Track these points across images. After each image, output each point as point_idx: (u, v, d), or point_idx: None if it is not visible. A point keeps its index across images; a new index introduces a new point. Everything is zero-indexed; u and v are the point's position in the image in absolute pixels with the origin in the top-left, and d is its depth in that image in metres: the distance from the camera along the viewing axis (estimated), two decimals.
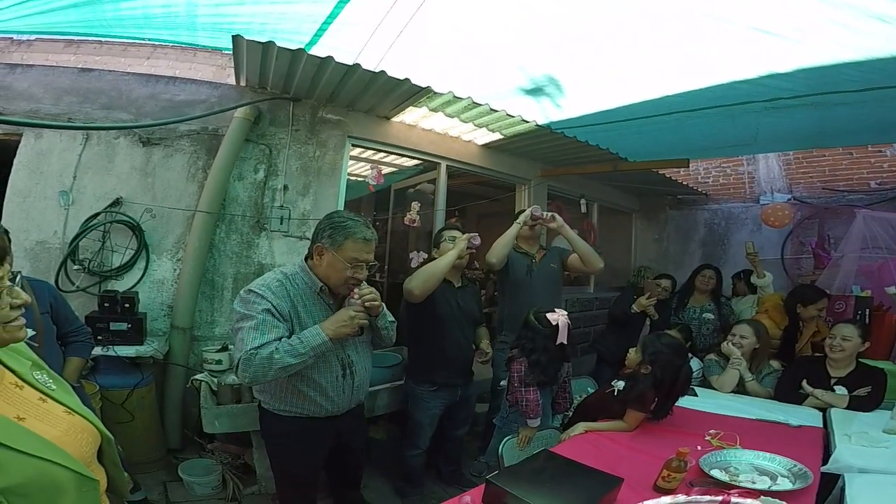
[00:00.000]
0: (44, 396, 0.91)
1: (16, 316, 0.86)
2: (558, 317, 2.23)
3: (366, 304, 1.72)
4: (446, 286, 2.64)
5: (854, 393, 2.41)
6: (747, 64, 2.29)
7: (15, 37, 3.38)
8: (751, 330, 2.78)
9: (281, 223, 3.27)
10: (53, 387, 0.95)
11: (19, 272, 0.90)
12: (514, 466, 1.62)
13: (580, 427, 2.06)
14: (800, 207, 5.22)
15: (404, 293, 2.51)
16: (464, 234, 2.67)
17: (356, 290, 1.73)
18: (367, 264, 1.74)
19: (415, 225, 3.96)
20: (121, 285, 2.99)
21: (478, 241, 2.62)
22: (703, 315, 3.66)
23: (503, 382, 2.55)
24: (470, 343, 2.74)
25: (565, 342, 2.23)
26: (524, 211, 3.03)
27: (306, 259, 1.80)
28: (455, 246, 2.59)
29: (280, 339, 1.61)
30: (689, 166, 4.32)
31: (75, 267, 2.91)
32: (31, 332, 1.66)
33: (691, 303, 3.75)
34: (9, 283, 0.84)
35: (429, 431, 2.68)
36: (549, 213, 2.93)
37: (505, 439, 2.14)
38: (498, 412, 2.51)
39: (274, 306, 1.65)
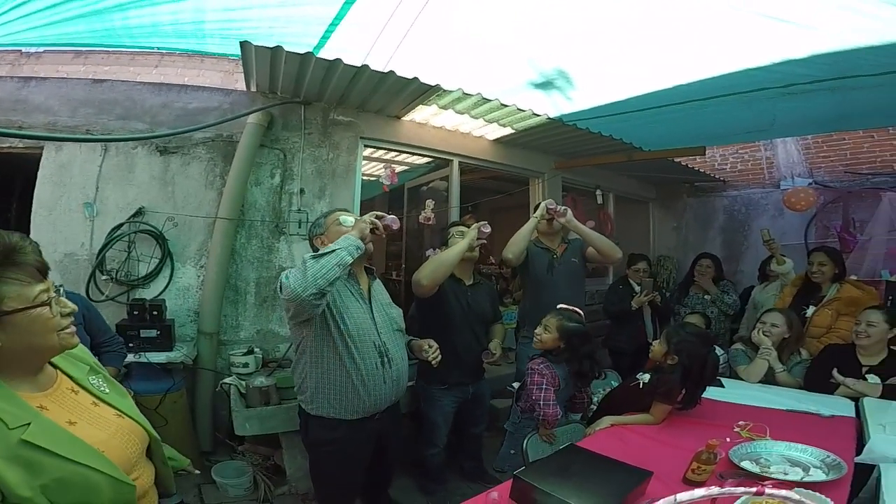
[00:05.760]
0: (97, 401, 0.98)
1: (67, 324, 0.93)
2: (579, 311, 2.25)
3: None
4: (456, 285, 2.61)
5: (888, 381, 2.33)
6: (761, 51, 2.25)
7: (23, 49, 3.40)
8: (782, 318, 2.67)
9: (299, 226, 3.31)
10: (107, 390, 1.03)
11: (61, 286, 0.98)
12: (540, 461, 1.60)
13: (606, 421, 2.04)
14: (822, 191, 5.09)
15: (413, 286, 2.47)
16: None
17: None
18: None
19: (430, 223, 3.96)
20: (148, 293, 3.06)
21: (488, 230, 2.52)
22: (704, 297, 3.89)
23: (515, 384, 2.53)
24: (481, 343, 2.71)
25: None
26: (540, 204, 2.99)
27: None
28: (466, 235, 2.52)
29: None
30: (705, 154, 4.25)
31: (103, 277, 2.98)
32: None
33: (693, 290, 3.99)
34: (55, 294, 0.92)
35: (444, 429, 2.68)
36: (563, 207, 2.89)
37: (529, 436, 2.13)
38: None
39: None
